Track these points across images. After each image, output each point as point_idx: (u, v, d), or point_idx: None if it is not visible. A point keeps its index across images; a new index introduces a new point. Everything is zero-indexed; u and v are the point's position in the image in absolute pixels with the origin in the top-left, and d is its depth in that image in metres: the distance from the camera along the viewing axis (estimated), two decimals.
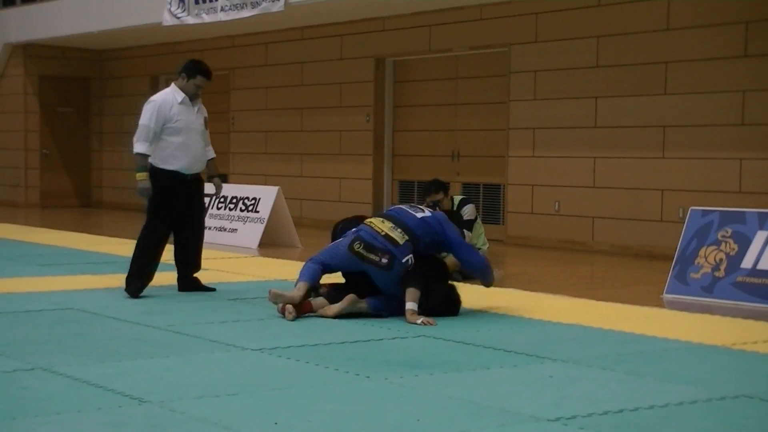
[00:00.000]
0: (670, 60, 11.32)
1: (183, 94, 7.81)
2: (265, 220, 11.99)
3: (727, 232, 7.99)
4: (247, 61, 16.83)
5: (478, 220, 9.23)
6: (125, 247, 11.36)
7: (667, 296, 8.07)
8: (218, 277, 8.88)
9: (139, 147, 7.64)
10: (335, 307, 6.68)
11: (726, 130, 10.88)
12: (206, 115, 8.04)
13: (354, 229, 6.96)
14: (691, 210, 8.38)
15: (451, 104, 13.93)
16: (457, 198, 9.18)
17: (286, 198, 12.33)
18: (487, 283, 7.19)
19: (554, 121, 12.39)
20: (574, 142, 12.18)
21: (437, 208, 8.67)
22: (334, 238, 7.23)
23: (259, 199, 12.27)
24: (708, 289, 7.91)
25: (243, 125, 16.98)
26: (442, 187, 9.06)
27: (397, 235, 6.73)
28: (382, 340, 5.90)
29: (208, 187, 8.19)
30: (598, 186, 11.96)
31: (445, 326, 6.38)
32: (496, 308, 7.15)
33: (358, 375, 4.88)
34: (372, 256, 6.68)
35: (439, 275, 6.90)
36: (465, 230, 8.57)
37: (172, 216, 7.77)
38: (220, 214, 12.64)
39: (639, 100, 11.59)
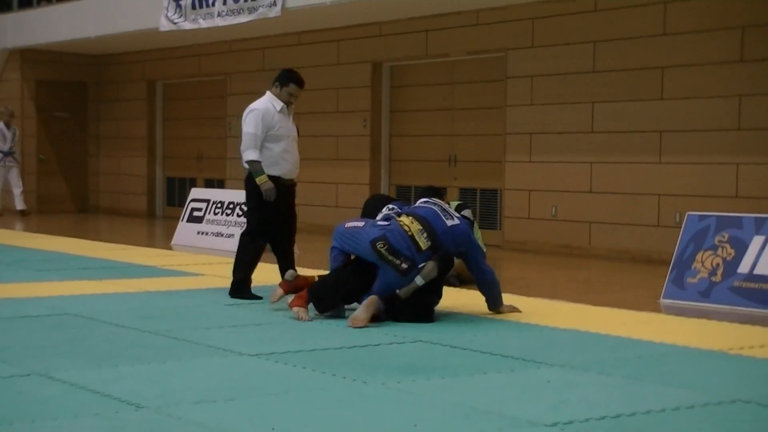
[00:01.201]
0: (666, 65, 11.33)
1: (281, 103, 8.04)
2: None
3: (723, 237, 8.00)
4: (244, 66, 16.83)
5: (476, 225, 9.23)
6: (122, 253, 11.37)
7: (664, 301, 8.07)
8: (215, 282, 8.88)
9: (249, 155, 7.94)
10: (363, 317, 6.54)
11: (723, 134, 10.89)
12: (294, 122, 8.27)
13: (384, 222, 6.99)
14: (688, 215, 8.38)
15: (448, 109, 13.94)
16: (455, 203, 9.16)
17: None
18: (495, 307, 7.08)
19: (551, 126, 12.40)
20: (571, 147, 12.19)
21: None
22: (364, 213, 7.58)
23: None
24: (705, 294, 7.91)
25: (239, 130, 16.95)
26: (437, 192, 9.01)
27: (422, 241, 6.77)
28: (379, 345, 5.90)
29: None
30: (595, 191, 11.97)
31: (443, 331, 6.37)
32: (493, 313, 7.15)
33: (355, 380, 4.88)
34: (393, 259, 6.70)
35: (432, 283, 6.84)
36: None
37: (271, 221, 7.99)
38: (217, 220, 12.63)
39: (636, 105, 11.60)
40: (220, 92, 17.49)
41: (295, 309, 6.87)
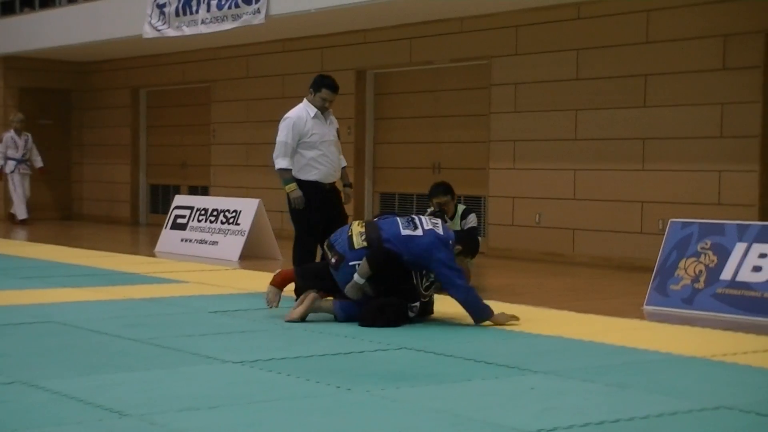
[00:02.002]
0: (649, 73, 11.38)
1: (315, 109, 8.23)
2: (246, 233, 11.97)
3: (706, 244, 8.03)
4: (228, 74, 16.82)
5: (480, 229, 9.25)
6: (106, 260, 11.34)
7: (647, 308, 8.09)
8: (199, 289, 8.85)
9: (279, 163, 8.24)
10: (299, 311, 6.93)
11: (705, 142, 10.94)
12: (338, 126, 8.49)
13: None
14: (671, 222, 8.41)
15: (432, 116, 13.96)
16: (461, 207, 9.13)
17: (267, 210, 12.31)
18: (480, 320, 6.88)
19: (535, 133, 12.43)
20: (555, 154, 12.22)
21: (442, 210, 8.82)
22: None
23: (240, 211, 12.25)
24: (688, 301, 7.94)
25: (224, 137, 16.95)
26: (450, 191, 9.01)
27: (358, 240, 6.93)
28: (363, 352, 5.89)
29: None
30: (579, 198, 12.01)
31: (428, 338, 6.37)
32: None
33: (339, 387, 4.87)
34: (328, 253, 7.07)
35: (399, 289, 6.89)
36: (471, 237, 8.57)
37: (317, 226, 8.10)
38: (201, 227, 12.60)
39: (619, 112, 11.65)
40: (204, 99, 17.47)
41: (268, 289, 7.18)
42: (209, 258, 11.89)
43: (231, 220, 12.25)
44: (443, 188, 9.02)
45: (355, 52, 14.69)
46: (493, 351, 5.98)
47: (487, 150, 12.98)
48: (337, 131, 8.47)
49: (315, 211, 8.16)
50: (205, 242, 12.39)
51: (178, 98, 18.31)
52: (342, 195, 8.55)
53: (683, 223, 8.32)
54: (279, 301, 7.21)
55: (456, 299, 6.90)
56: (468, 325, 6.94)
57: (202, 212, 12.72)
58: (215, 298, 8.27)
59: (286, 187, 8.22)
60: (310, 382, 4.99)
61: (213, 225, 12.46)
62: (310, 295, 7.00)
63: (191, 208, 12.97)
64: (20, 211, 17.63)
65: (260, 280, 8.66)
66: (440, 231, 6.95)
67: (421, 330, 6.71)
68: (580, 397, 4.76)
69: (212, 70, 17.10)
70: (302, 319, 6.95)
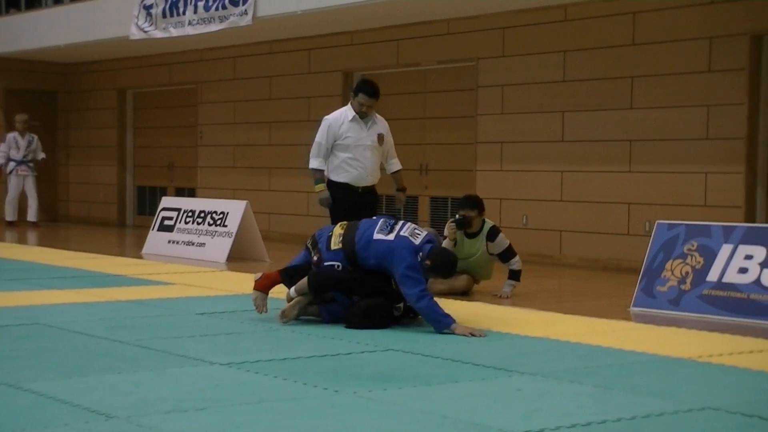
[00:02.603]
0: (636, 74, 11.41)
1: (353, 113, 8.53)
2: (234, 234, 11.95)
3: (692, 246, 8.05)
4: (215, 75, 16.80)
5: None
6: (92, 262, 11.30)
7: (634, 309, 8.11)
8: (186, 291, 8.84)
9: (312, 163, 8.59)
10: (292, 310, 6.95)
11: (691, 144, 10.98)
12: (382, 131, 8.65)
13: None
14: (658, 223, 8.43)
15: (419, 118, 13.97)
16: (488, 224, 8.92)
17: (254, 212, 12.29)
18: (439, 329, 6.67)
19: (522, 135, 12.45)
20: (542, 155, 12.24)
21: (465, 221, 8.75)
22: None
23: (228, 213, 12.23)
24: (674, 302, 7.96)
25: (211, 139, 16.93)
26: (477, 206, 8.86)
27: (335, 241, 7.00)
28: (350, 354, 5.89)
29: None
30: (566, 199, 12.03)
31: (415, 340, 6.37)
32: (464, 322, 7.15)
33: (326, 389, 4.87)
34: (311, 251, 7.13)
35: (379, 291, 6.90)
36: (513, 258, 8.75)
37: None
38: (188, 228, 12.58)
39: (605, 114, 11.67)
40: (191, 101, 17.44)
41: (254, 295, 7.14)
42: (196, 260, 11.87)
43: (218, 222, 12.23)
44: (471, 202, 8.87)
45: (342, 54, 14.69)
46: (480, 352, 5.98)
47: (474, 151, 12.99)
48: (380, 136, 8.63)
49: (341, 212, 8.31)
50: (192, 244, 12.37)
51: (164, 99, 18.28)
52: (395, 199, 8.85)
53: (669, 224, 8.34)
54: (266, 305, 7.19)
55: (412, 303, 6.70)
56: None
57: (189, 214, 12.70)
58: (202, 300, 8.25)
59: (316, 186, 8.60)
60: (297, 384, 4.99)
61: (200, 227, 12.43)
62: (298, 299, 7.01)
63: (178, 209, 12.94)
64: (9, 213, 17.54)
65: (248, 282, 8.63)
66: (415, 240, 6.82)
67: (408, 332, 6.71)
68: (567, 399, 4.77)
69: (199, 72, 17.08)
70: (297, 317, 6.99)
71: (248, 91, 16.19)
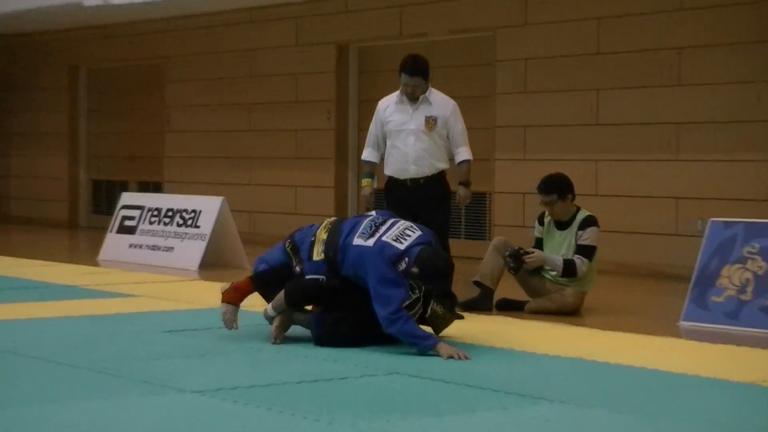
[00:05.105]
0: (684, 45, 11.38)
1: (402, 94, 8.67)
2: (207, 237, 11.93)
3: (754, 248, 8.03)
4: (186, 49, 16.79)
5: (596, 253, 8.71)
6: (40, 270, 11.29)
7: (683, 323, 8.09)
8: (152, 304, 8.83)
9: (364, 153, 8.90)
10: (275, 333, 6.94)
11: (751, 127, 10.95)
12: (437, 113, 8.61)
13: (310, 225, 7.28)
14: (712, 222, 8.41)
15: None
16: (583, 213, 8.72)
17: (232, 210, 12.28)
18: (420, 351, 6.59)
19: (548, 117, 12.43)
20: (572, 142, 12.22)
21: (549, 211, 8.67)
22: None
23: (200, 211, 12.22)
24: (732, 315, 7.94)
25: (180, 124, 16.92)
26: (556, 187, 8.64)
27: (317, 250, 6.96)
28: (346, 378, 5.88)
29: None
30: (601, 194, 12.00)
31: (422, 361, 6.36)
32: (479, 338, 7.14)
33: (318, 420, 4.85)
34: (292, 259, 7.09)
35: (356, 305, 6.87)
36: (581, 258, 8.53)
37: None
38: (153, 230, 12.57)
39: (648, 92, 11.65)
40: (157, 79, 17.43)
41: (223, 308, 7.08)
42: (163, 267, 11.86)
43: (189, 222, 12.23)
44: (546, 184, 8.68)
45: (336, 23, 14.68)
46: (500, 376, 5.96)
47: (492, 138, 12.97)
48: (429, 119, 8.58)
49: (399, 208, 8.18)
50: (159, 248, 12.36)
51: (125, 78, 18.26)
52: (457, 195, 8.78)
53: (726, 222, 8.32)
54: (236, 320, 7.13)
55: (385, 326, 6.61)
56: (470, 345, 6.92)
57: (155, 213, 12.69)
58: (170, 315, 8.24)
59: (362, 181, 8.86)
60: (284, 415, 4.97)
61: (168, 228, 12.42)
62: (279, 318, 6.98)
63: (141, 208, 12.93)
64: None
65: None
66: (399, 245, 6.67)
67: (413, 351, 6.69)
68: (604, 430, 4.75)
69: (167, 45, 17.07)
70: (285, 330, 7.01)
71: (224, 68, 16.18)
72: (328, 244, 6.93)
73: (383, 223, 6.89)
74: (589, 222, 8.66)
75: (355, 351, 6.64)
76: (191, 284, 10.56)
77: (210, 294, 9.47)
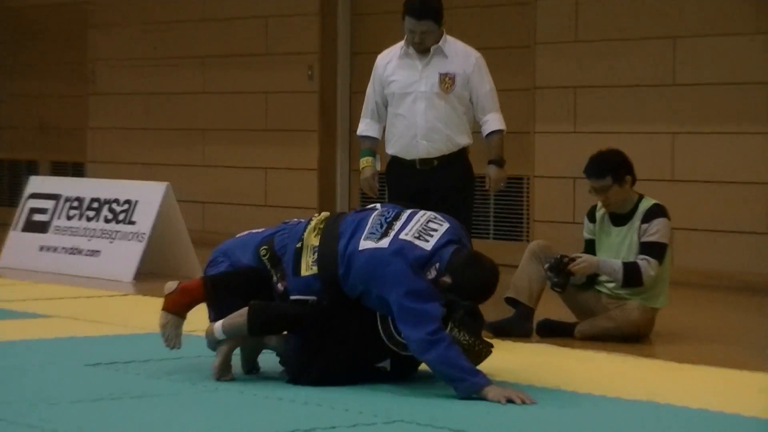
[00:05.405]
0: None
1: (407, 45, 8.66)
2: (146, 237, 11.92)
3: None
4: None
5: (668, 254, 8.80)
6: None
7: None
8: (70, 328, 8.82)
9: (360, 126, 8.91)
10: (220, 361, 6.90)
11: None
12: (455, 69, 8.56)
13: (294, 222, 7.17)
14: None
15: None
16: (648, 202, 8.77)
17: (179, 201, 12.27)
18: (460, 394, 6.52)
19: (607, 76, 12.42)
20: (641, 109, 12.22)
21: (603, 201, 8.69)
22: None
23: (136, 202, 12.20)
24: None
25: (109, 84, 16.92)
26: (609, 169, 8.65)
27: (306, 262, 6.83)
28: (334, 428, 5.87)
29: None
30: (679, 178, 11.99)
31: (439, 405, 6.36)
32: (515, 374, 7.14)
33: None
34: (272, 272, 6.99)
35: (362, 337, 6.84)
36: (647, 258, 8.50)
37: None
38: (71, 228, 12.56)
39: (740, 41, 11.63)
40: (76, 24, 17.41)
41: (163, 318, 7.04)
42: (86, 277, 11.84)
43: (121, 217, 12.22)
44: (596, 164, 8.72)
45: None
46: (543, 426, 5.95)
47: (530, 103, 12.97)
48: (444, 77, 8.54)
49: (408, 199, 8.13)
50: (80, 252, 12.35)
51: (34, 21, 18.24)
52: (486, 177, 8.77)
53: None
54: (180, 337, 7.11)
55: (414, 350, 6.59)
56: (501, 382, 6.90)
57: (74, 204, 12.68)
58: (95, 342, 8.25)
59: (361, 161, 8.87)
60: None
61: (92, 224, 12.41)
62: (222, 348, 6.93)
63: (56, 197, 12.92)
64: None
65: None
66: (424, 245, 6.61)
67: (424, 390, 6.68)
68: None
69: None
70: (230, 370, 6.94)
71: (168, 9, 16.17)
72: (323, 254, 6.79)
73: (396, 217, 6.80)
74: (657, 212, 8.67)
75: (345, 391, 6.64)
76: (123, 301, 10.59)
77: (148, 313, 9.45)
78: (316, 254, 6.82)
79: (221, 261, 7.24)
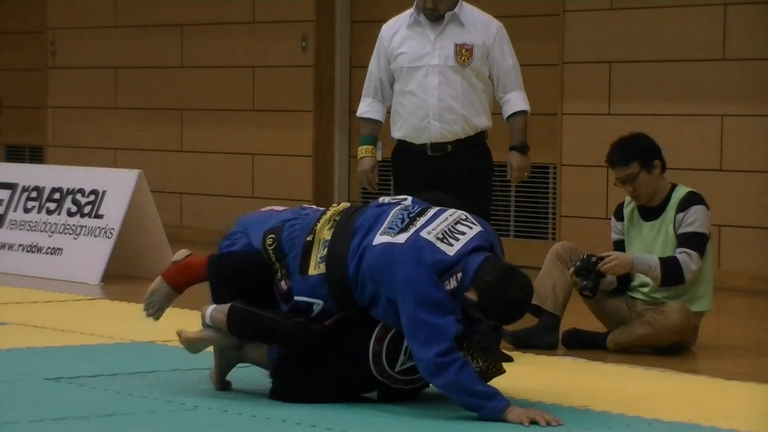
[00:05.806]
0: None
1: (417, 12, 8.61)
2: (116, 232, 11.95)
3: None
4: None
5: (710, 247, 8.83)
6: None
7: None
8: (27, 338, 8.86)
9: (360, 106, 8.87)
10: (189, 344, 7.07)
11: None
12: (473, 39, 8.52)
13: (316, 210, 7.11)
14: None
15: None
16: (682, 190, 8.80)
17: (153, 191, 12.30)
18: (481, 415, 6.51)
19: (645, 48, 12.44)
20: (685, 88, 12.23)
21: (631, 192, 8.72)
22: None
23: (104, 192, 12.23)
24: None
25: (72, 57, 16.93)
26: (634, 155, 8.68)
27: (314, 261, 6.78)
28: None
29: None
30: (728, 168, 12.02)
31: (442, 428, 6.40)
32: (539, 392, 7.18)
33: None
34: (277, 266, 6.90)
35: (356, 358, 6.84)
36: (686, 251, 8.51)
37: None
38: (29, 222, 12.59)
39: None
40: None
41: (155, 284, 7.11)
42: (47, 278, 11.87)
43: (87, 210, 12.24)
44: (620, 150, 8.78)
45: None
46: None
47: (558, 79, 13.00)
48: (460, 48, 8.49)
49: (418, 189, 8.03)
50: (39, 250, 12.38)
51: None
52: (509, 166, 8.72)
53: None
54: (163, 310, 7.18)
55: (422, 370, 6.56)
56: (523, 400, 6.96)
57: (33, 194, 12.72)
58: (57, 354, 8.28)
59: (358, 149, 8.84)
60: None
61: (54, 218, 12.45)
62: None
63: (12, 186, 12.96)
64: None
65: (140, 323, 8.67)
66: (447, 249, 6.52)
67: (435, 411, 6.73)
68: None
69: None
70: (225, 382, 7.04)
71: None
72: (333, 252, 6.72)
73: (422, 213, 6.71)
74: (693, 199, 8.70)
75: (336, 410, 6.68)
76: (90, 306, 10.63)
77: (118, 320, 9.51)
78: (326, 250, 6.75)
79: (239, 237, 7.11)
